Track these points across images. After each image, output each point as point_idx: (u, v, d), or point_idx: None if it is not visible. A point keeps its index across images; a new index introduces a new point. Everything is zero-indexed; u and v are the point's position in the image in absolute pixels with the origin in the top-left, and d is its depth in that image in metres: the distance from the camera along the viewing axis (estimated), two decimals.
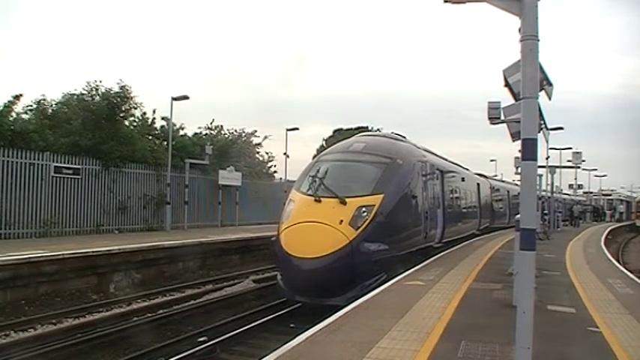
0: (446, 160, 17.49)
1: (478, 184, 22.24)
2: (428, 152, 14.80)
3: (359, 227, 9.42)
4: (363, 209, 9.68)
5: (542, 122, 11.72)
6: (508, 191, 31.06)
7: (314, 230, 9.42)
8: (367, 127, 36.84)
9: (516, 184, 37.33)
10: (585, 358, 5.22)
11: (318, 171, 11.02)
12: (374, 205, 9.80)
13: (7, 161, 14.92)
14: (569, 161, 29.26)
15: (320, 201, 9.98)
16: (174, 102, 20.61)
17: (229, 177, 23.87)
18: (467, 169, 21.15)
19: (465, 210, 18.78)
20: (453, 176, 17.04)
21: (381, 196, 10.08)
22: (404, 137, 14.00)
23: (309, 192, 10.46)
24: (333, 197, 9.91)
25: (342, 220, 9.40)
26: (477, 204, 21.47)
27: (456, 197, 17.28)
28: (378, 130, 32.73)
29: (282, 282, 10.09)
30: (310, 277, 8.94)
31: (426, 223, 12.47)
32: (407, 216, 11.39)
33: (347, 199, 9.79)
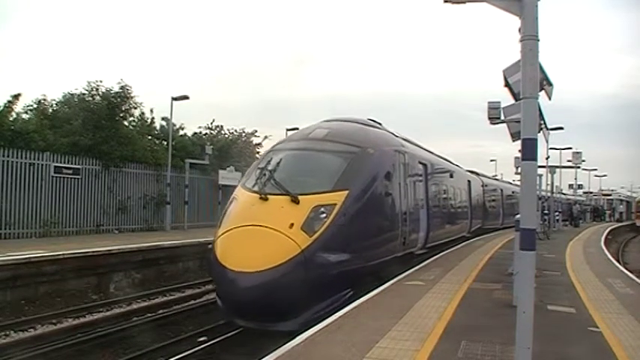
0: (432, 153, 15.42)
1: (469, 182, 20.34)
2: (409, 142, 12.61)
3: (315, 232, 7.49)
4: (322, 209, 7.77)
5: (542, 122, 11.74)
6: (501, 190, 29.68)
7: (256, 237, 7.47)
8: None
9: (510, 183, 37.25)
10: (585, 358, 5.21)
11: (269, 162, 9.03)
12: (335, 204, 7.88)
13: (7, 161, 14.93)
14: (569, 161, 29.30)
15: (266, 199, 8.00)
16: (174, 102, 20.64)
17: (229, 177, 23.87)
18: (457, 165, 19.47)
19: (453, 210, 16.81)
20: (440, 171, 15.16)
21: (345, 192, 8.13)
22: (379, 124, 11.74)
23: (255, 188, 8.46)
24: (284, 194, 7.94)
25: (292, 224, 7.45)
26: (467, 203, 19.50)
27: (444, 195, 15.29)
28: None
29: (220, 301, 8.17)
30: (250, 296, 7.02)
31: (405, 226, 10.36)
32: (379, 217, 9.39)
33: (300, 197, 7.83)
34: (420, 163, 12.55)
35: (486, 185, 24.98)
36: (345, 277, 7.84)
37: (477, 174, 24.00)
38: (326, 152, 9.09)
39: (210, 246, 8.17)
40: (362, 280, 8.37)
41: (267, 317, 7.33)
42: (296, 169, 8.98)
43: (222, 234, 7.86)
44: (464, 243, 17.11)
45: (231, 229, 7.78)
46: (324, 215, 7.75)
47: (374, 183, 9.18)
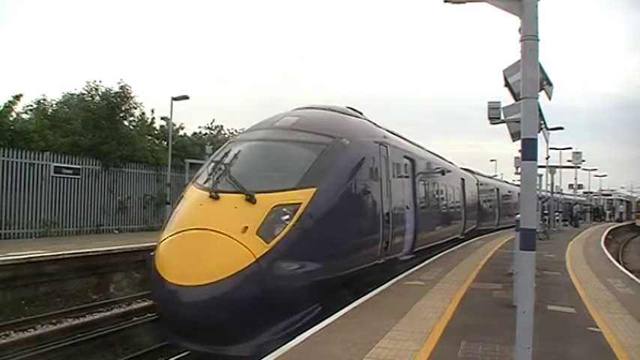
0: (420, 147, 14.08)
1: (462, 180, 19.15)
2: (394, 135, 11.30)
3: (273, 237, 6.34)
4: (284, 210, 6.63)
5: (542, 122, 11.74)
6: (497, 189, 28.76)
7: (201, 243, 6.33)
8: None
9: (506, 182, 37.03)
10: (585, 358, 5.21)
11: (225, 155, 7.84)
12: (300, 204, 6.73)
13: (7, 161, 14.93)
14: (569, 161, 29.34)
15: (217, 198, 6.85)
16: (174, 102, 20.64)
17: None
18: (450, 162, 18.32)
19: (445, 210, 15.52)
20: (430, 168, 13.93)
21: (313, 190, 6.95)
22: (360, 113, 10.36)
23: (206, 185, 7.29)
24: (238, 192, 6.79)
25: (246, 227, 6.31)
26: (461, 203, 18.31)
27: (434, 194, 14.06)
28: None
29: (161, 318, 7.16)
30: (192, 314, 5.97)
31: (388, 229, 9.05)
32: (354, 219, 8.11)
33: (258, 195, 6.68)
34: (407, 157, 11.32)
35: (481, 184, 24.00)
36: (312, 291, 6.63)
37: (472, 172, 23.19)
38: (292, 143, 7.87)
39: (152, 253, 6.86)
40: (334, 293, 7.23)
41: (215, 338, 6.20)
42: (255, 162, 7.81)
43: (162, 240, 6.69)
44: (458, 245, 16.58)
45: (173, 234, 6.60)
46: (287, 217, 6.59)
47: (348, 179, 8.01)
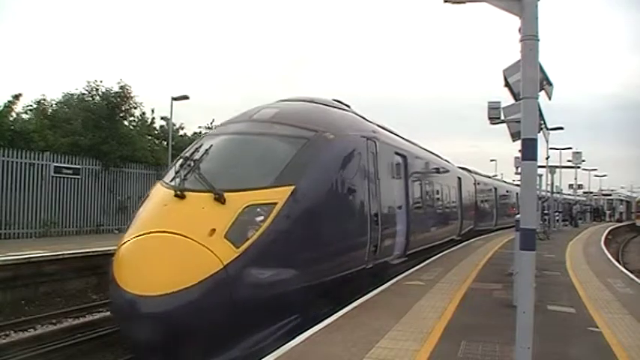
0: (414, 144, 13.40)
1: (459, 179, 18.63)
2: (385, 130, 10.61)
3: (245, 241, 5.71)
4: (257, 210, 6.01)
5: (542, 122, 11.74)
6: (495, 188, 28.24)
7: (163, 248, 5.69)
8: None
9: (504, 181, 36.87)
10: (585, 358, 5.22)
11: (196, 150, 7.23)
12: (275, 204, 6.09)
13: (7, 161, 14.93)
14: (569, 161, 29.37)
15: (183, 197, 6.23)
16: (174, 102, 20.64)
17: None
18: (446, 160, 17.74)
19: (440, 210, 14.85)
20: (424, 165, 13.30)
21: (291, 188, 6.31)
22: (347, 105, 9.65)
23: (172, 183, 6.69)
24: (206, 191, 6.17)
25: (214, 230, 5.68)
26: (457, 203, 17.76)
27: (429, 193, 13.40)
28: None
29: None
30: (152, 328, 5.29)
31: (377, 231, 8.37)
32: (338, 220, 7.39)
33: (228, 194, 6.05)
34: (398, 154, 10.65)
35: (479, 183, 23.50)
36: (289, 300, 6.01)
37: (469, 171, 22.76)
38: (269, 137, 7.21)
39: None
40: (315, 303, 6.64)
41: (177, 355, 5.55)
42: (228, 158, 7.12)
43: (122, 244, 6.07)
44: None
45: (132, 237, 5.96)
46: (261, 218, 5.96)
47: (331, 176, 7.30)
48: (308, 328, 5.80)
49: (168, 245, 5.67)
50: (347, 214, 7.76)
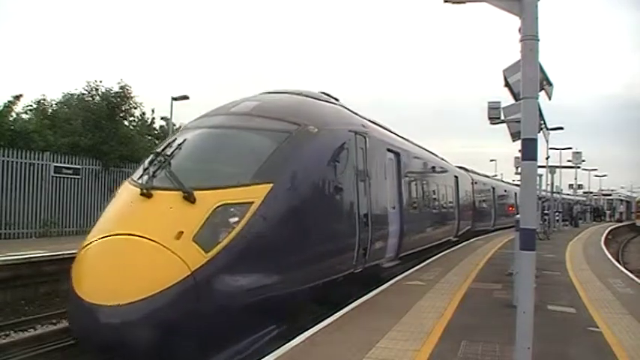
0: (409, 141, 12.80)
1: (456, 177, 18.20)
2: (376, 125, 10.01)
3: (215, 244, 5.19)
4: (231, 210, 5.50)
5: (542, 122, 11.74)
6: (493, 188, 27.85)
7: (126, 252, 5.14)
8: None
9: (502, 181, 36.85)
10: (585, 358, 5.21)
11: (169, 145, 6.70)
12: (251, 203, 5.58)
13: (7, 161, 14.91)
14: (569, 161, 29.44)
15: (150, 196, 5.65)
16: (174, 102, 20.65)
17: None
18: (442, 159, 17.26)
19: (436, 210, 14.33)
20: (419, 163, 12.80)
21: (269, 186, 5.79)
22: (336, 99, 9.10)
23: (140, 181, 6.07)
24: (175, 189, 5.62)
25: (181, 232, 5.15)
26: (454, 203, 17.31)
27: (423, 193, 12.90)
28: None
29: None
30: (111, 341, 4.77)
31: (366, 232, 7.90)
32: (322, 221, 6.85)
33: (198, 193, 5.52)
34: (391, 150, 10.14)
35: (477, 182, 23.23)
36: (266, 309, 5.52)
37: (466, 170, 22.52)
38: (248, 131, 6.68)
39: None
40: (297, 311, 6.30)
41: None
42: (202, 153, 6.60)
43: (83, 247, 5.50)
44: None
45: (94, 240, 5.40)
46: (235, 219, 5.43)
47: (315, 173, 6.78)
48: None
49: (131, 249, 5.12)
50: (332, 215, 7.24)
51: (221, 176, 6.02)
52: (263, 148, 6.35)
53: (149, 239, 5.09)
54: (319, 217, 6.79)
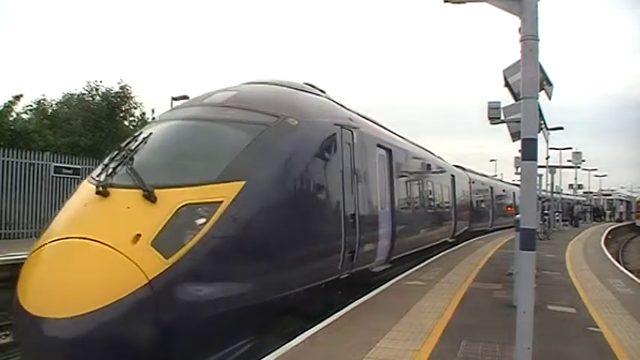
0: (403, 138, 12.20)
1: (453, 177, 17.58)
2: (365, 119, 9.39)
3: (177, 249, 4.63)
4: (197, 211, 4.95)
5: (542, 122, 11.75)
6: (491, 187, 27.34)
7: (76, 258, 4.61)
8: None
9: (500, 181, 36.71)
10: (585, 358, 5.21)
11: (134, 139, 6.08)
12: (220, 203, 5.03)
13: (7, 161, 14.91)
14: (569, 161, 29.47)
15: (106, 194, 5.08)
16: (174, 102, 20.65)
17: None
18: (439, 157, 16.79)
19: (432, 210, 13.71)
20: (413, 161, 12.19)
21: (241, 184, 5.24)
22: (322, 91, 8.49)
23: (98, 178, 5.43)
24: (134, 187, 5.05)
25: (138, 236, 4.61)
26: (451, 202, 16.72)
27: (418, 192, 12.37)
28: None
29: None
30: (61, 358, 4.30)
31: (353, 234, 7.30)
32: (301, 222, 6.22)
33: (159, 191, 4.97)
34: (381, 147, 9.46)
35: (474, 182, 22.62)
36: (236, 321, 5.03)
37: (464, 169, 22.10)
38: (220, 123, 6.10)
39: None
40: (273, 322, 5.76)
41: None
42: (167, 148, 5.99)
43: (32, 252, 5.02)
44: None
45: (44, 244, 4.85)
46: (200, 221, 4.88)
47: (293, 170, 6.15)
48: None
49: (82, 255, 4.58)
50: (313, 215, 6.61)
51: (187, 173, 5.43)
52: (236, 142, 5.76)
53: (102, 243, 4.55)
54: (298, 217, 6.17)
